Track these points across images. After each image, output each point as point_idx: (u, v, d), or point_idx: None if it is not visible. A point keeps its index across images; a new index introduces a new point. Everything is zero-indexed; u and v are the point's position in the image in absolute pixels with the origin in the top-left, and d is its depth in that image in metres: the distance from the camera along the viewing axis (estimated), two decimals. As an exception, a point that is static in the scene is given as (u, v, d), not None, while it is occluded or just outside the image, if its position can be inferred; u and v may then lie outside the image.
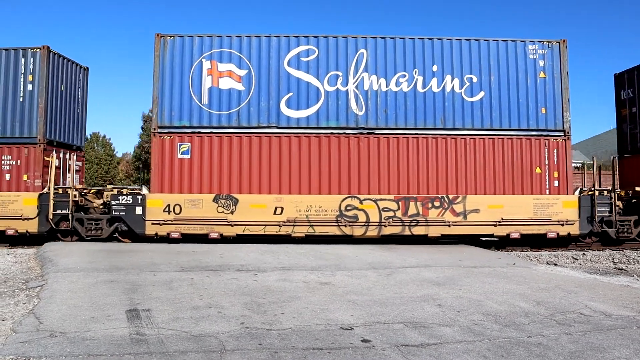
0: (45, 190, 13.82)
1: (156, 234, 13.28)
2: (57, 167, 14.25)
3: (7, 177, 13.90)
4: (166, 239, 13.33)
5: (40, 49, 14.21)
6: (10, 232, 13.61)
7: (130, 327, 5.51)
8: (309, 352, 4.82)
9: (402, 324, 5.78)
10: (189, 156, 13.41)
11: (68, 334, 5.25)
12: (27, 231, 13.63)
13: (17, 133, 14.09)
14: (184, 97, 13.56)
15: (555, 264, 11.87)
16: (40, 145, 13.98)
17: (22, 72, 14.16)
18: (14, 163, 13.95)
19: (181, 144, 13.43)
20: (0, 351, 4.75)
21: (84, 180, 16.49)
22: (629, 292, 7.77)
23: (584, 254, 13.01)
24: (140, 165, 42.66)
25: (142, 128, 44.60)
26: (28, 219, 13.59)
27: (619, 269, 11.15)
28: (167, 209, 13.20)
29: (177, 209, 13.19)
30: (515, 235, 13.61)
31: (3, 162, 13.97)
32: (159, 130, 13.49)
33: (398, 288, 7.84)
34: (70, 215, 13.65)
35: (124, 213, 13.35)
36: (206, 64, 13.64)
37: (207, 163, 13.43)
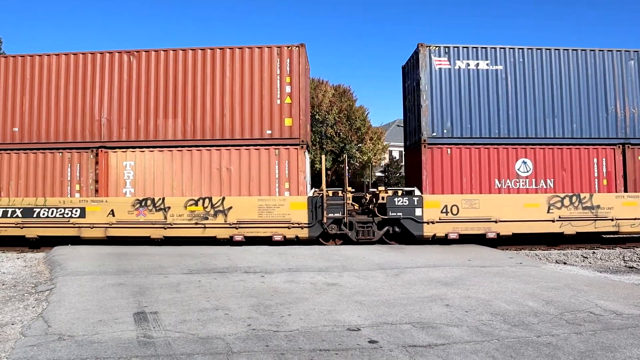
0: None
1: None
2: None
3: None
4: None
5: None
6: None
7: (138, 330, 5.53)
8: (315, 353, 4.80)
9: (410, 325, 5.75)
10: None
11: (76, 337, 5.28)
12: None
13: None
14: None
15: (565, 263, 11.77)
16: None
17: None
18: None
19: None
20: (10, 355, 4.78)
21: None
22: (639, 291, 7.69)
23: (593, 253, 12.90)
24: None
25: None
26: None
27: (629, 267, 11.04)
28: None
29: None
30: None
31: None
32: None
33: (406, 288, 7.81)
34: None
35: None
36: None
37: None
